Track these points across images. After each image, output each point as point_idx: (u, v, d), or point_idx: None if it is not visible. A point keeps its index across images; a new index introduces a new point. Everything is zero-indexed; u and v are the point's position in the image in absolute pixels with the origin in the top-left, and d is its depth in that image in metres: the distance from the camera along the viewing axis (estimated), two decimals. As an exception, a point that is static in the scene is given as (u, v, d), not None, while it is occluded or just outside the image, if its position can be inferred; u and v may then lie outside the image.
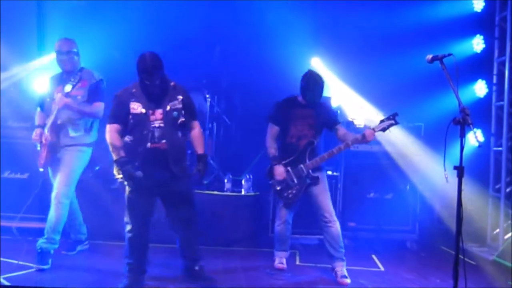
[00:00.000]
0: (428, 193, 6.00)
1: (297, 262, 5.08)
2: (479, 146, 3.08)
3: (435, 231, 6.16)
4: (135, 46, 6.65)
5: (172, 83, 3.93)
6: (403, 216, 5.76)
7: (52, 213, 4.31)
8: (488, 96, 6.38)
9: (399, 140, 5.69)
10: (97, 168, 5.81)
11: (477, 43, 6.51)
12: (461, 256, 3.11)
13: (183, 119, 3.88)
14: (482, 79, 6.44)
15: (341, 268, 4.46)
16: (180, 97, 3.89)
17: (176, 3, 6.52)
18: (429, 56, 3.30)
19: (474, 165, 5.56)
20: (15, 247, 4.57)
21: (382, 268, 4.97)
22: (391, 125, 4.36)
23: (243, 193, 5.80)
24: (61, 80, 4.52)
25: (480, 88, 6.45)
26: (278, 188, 4.55)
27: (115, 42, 6.40)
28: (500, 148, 6.06)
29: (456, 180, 3.11)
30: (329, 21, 6.71)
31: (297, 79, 6.57)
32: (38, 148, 4.46)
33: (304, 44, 6.61)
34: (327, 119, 4.59)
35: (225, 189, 5.80)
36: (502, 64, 6.13)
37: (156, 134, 3.79)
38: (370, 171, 5.51)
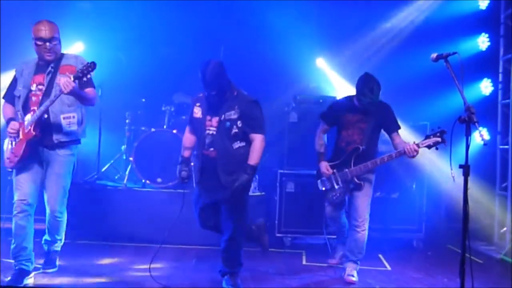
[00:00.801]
0: (434, 192, 6.00)
1: (304, 262, 5.09)
2: (484, 144, 3.07)
3: (441, 230, 6.16)
4: (140, 47, 6.74)
5: (235, 92, 3.90)
6: (409, 215, 5.74)
7: (53, 223, 4.04)
8: (494, 94, 6.37)
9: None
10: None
11: (482, 41, 6.50)
12: (467, 255, 3.09)
13: (236, 130, 3.82)
14: (488, 77, 6.43)
15: (351, 269, 4.48)
16: (237, 108, 3.83)
17: (180, 4, 6.54)
18: (434, 55, 3.30)
19: (480, 164, 5.54)
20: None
21: (389, 268, 4.96)
22: (437, 143, 4.13)
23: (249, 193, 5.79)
24: (39, 68, 3.92)
25: (485, 86, 6.44)
26: (323, 188, 4.61)
27: (120, 44, 6.43)
28: (506, 146, 6.05)
29: (462, 178, 3.10)
30: (333, 21, 6.71)
31: (303, 78, 6.66)
32: (9, 146, 3.85)
33: (309, 44, 6.61)
34: (383, 125, 4.51)
35: (231, 189, 5.79)
36: (508, 62, 6.12)
37: (207, 141, 3.86)
38: (376, 169, 5.48)
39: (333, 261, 4.94)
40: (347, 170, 4.47)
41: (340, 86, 6.74)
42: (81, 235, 5.27)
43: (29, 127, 3.77)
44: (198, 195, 4.01)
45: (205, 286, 4.16)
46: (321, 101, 5.94)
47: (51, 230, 4.12)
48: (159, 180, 5.72)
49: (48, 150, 3.91)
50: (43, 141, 3.85)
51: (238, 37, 6.65)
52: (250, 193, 5.73)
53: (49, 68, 3.89)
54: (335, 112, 4.62)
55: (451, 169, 4.45)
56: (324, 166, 4.55)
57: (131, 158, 5.94)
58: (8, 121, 3.90)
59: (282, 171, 5.75)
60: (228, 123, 3.81)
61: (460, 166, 3.01)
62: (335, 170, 4.53)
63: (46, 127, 3.84)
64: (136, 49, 6.56)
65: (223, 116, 3.81)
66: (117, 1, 6.41)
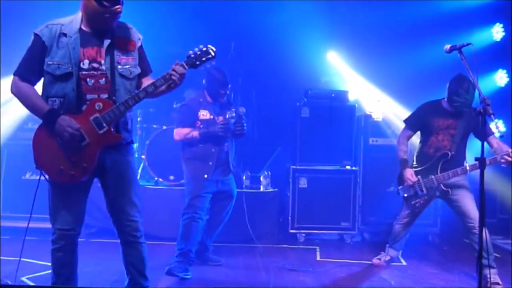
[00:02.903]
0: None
1: (318, 258, 5.06)
2: (501, 136, 3.02)
3: (457, 224, 6.07)
4: (150, 45, 6.71)
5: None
6: (424, 209, 5.68)
7: (135, 252, 3.00)
8: (509, 85, 6.28)
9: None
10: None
11: (497, 32, 6.39)
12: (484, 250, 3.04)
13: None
14: (503, 68, 6.33)
15: (491, 276, 4.04)
16: (233, 109, 4.43)
17: (190, 1, 6.52)
18: (447, 46, 3.24)
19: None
20: (38, 247, 4.63)
21: (404, 263, 4.92)
22: None
23: (261, 189, 5.79)
24: (87, 37, 2.84)
25: (500, 78, 6.35)
26: (405, 195, 4.53)
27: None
28: (523, 138, 5.95)
29: (478, 171, 3.04)
30: (345, 14, 6.65)
31: (314, 73, 6.61)
32: (57, 150, 2.76)
33: (320, 38, 6.56)
34: (475, 131, 4.34)
35: (244, 186, 5.79)
36: (523, 52, 6.01)
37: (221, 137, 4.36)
38: (390, 164, 5.42)
39: (376, 262, 4.78)
40: (433, 176, 4.37)
41: (352, 80, 6.68)
42: (94, 233, 5.31)
43: (106, 127, 2.78)
44: (211, 188, 4.39)
45: (222, 280, 4.17)
46: (333, 95, 5.90)
47: (135, 267, 2.98)
48: (171, 177, 5.73)
49: (112, 153, 2.90)
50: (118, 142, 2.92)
51: (248, 33, 6.61)
52: (263, 190, 5.79)
53: (107, 40, 2.84)
54: (422, 117, 4.50)
55: (467, 162, 4.41)
56: (410, 173, 4.43)
57: (143, 156, 5.95)
58: (52, 114, 2.75)
59: (294, 166, 5.73)
60: (233, 120, 4.38)
61: (476, 159, 2.95)
62: (419, 177, 4.42)
63: (117, 125, 2.90)
64: (146, 47, 6.53)
65: (227, 114, 4.37)
66: (126, 0, 6.40)
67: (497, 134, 3.17)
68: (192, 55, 2.90)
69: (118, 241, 3.04)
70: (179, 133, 4.43)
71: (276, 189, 5.81)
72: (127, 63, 2.91)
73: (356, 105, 5.94)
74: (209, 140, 4.34)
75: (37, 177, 3.15)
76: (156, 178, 5.82)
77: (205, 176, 4.32)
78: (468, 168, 4.20)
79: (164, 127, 5.95)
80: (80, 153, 2.77)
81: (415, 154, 4.61)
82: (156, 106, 6.35)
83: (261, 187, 5.80)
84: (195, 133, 4.33)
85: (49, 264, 3.98)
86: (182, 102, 6.17)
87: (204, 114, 4.42)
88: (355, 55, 6.64)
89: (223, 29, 6.62)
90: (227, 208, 4.59)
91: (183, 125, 4.43)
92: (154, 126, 6.17)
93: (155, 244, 5.08)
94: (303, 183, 5.67)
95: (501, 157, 4.03)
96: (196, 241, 4.34)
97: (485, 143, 3.98)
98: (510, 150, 4.03)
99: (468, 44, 3.12)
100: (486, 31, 6.41)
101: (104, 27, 2.83)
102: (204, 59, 2.90)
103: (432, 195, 4.43)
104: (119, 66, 2.87)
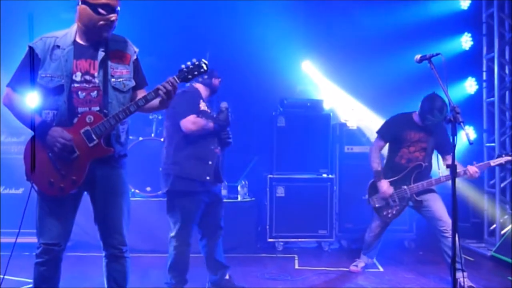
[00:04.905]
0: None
1: (296, 266, 5.08)
2: (470, 144, 3.09)
3: (432, 229, 6.18)
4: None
5: None
6: (400, 215, 5.76)
7: (119, 267, 3.01)
8: (479, 92, 6.44)
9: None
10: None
11: (466, 41, 6.58)
12: (458, 253, 3.10)
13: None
14: (472, 76, 6.50)
15: (462, 279, 4.08)
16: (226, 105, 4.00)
17: (163, 8, 6.51)
18: (418, 56, 3.31)
19: (467, 162, 5.58)
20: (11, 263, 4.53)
21: (381, 269, 4.97)
22: (509, 162, 4.19)
23: (239, 199, 5.79)
24: (81, 49, 2.82)
25: (470, 85, 6.51)
26: (377, 205, 4.54)
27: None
28: (492, 144, 6.10)
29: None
30: (319, 24, 6.74)
31: (290, 82, 6.66)
32: (47, 163, 2.73)
33: (295, 47, 6.63)
34: (440, 146, 4.43)
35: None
36: (491, 60, 6.18)
37: (216, 138, 3.89)
38: (365, 171, 5.48)
39: (354, 268, 4.81)
40: (406, 187, 4.41)
41: (327, 89, 6.76)
42: (69, 247, 5.18)
43: (96, 140, 2.76)
44: (203, 195, 3.84)
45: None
46: (308, 104, 5.97)
47: (117, 282, 2.97)
48: (148, 189, 5.69)
49: (102, 166, 2.87)
50: (108, 155, 2.87)
51: (224, 42, 6.64)
52: (241, 199, 5.79)
53: (101, 53, 2.82)
54: (394, 129, 4.53)
55: (438, 169, 4.51)
56: (387, 185, 4.44)
57: (119, 168, 5.89)
58: (44, 126, 2.73)
59: (271, 175, 5.75)
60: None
61: (448, 166, 3.02)
62: (391, 187, 4.46)
63: (107, 137, 2.86)
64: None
65: (214, 114, 3.90)
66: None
67: (466, 143, 3.23)
68: (184, 69, 2.85)
69: (96, 254, 3.03)
70: (197, 122, 3.74)
71: (253, 199, 5.82)
72: (121, 76, 2.87)
73: (331, 114, 6.01)
74: (209, 136, 3.83)
75: (11, 191, 3.10)
76: (132, 190, 5.77)
77: (207, 178, 3.77)
78: (443, 179, 4.26)
79: (141, 138, 5.91)
80: (70, 165, 2.74)
81: (384, 162, 4.67)
82: (132, 117, 6.27)
83: (239, 196, 5.81)
84: (211, 125, 3.77)
85: (23, 279, 3.91)
86: (157, 113, 6.15)
87: (202, 106, 3.89)
88: (330, 64, 6.74)
89: (198, 39, 6.63)
90: (220, 215, 4.05)
91: (195, 113, 3.78)
92: (130, 137, 6.08)
93: (132, 256, 5.01)
94: (280, 192, 5.70)
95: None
96: (189, 267, 3.91)
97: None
98: (460, 171, 4.17)
99: (437, 54, 3.20)
100: (455, 40, 6.59)
101: (98, 37, 2.80)
102: (196, 73, 2.85)
103: (404, 205, 4.49)
104: (113, 79, 2.84)
